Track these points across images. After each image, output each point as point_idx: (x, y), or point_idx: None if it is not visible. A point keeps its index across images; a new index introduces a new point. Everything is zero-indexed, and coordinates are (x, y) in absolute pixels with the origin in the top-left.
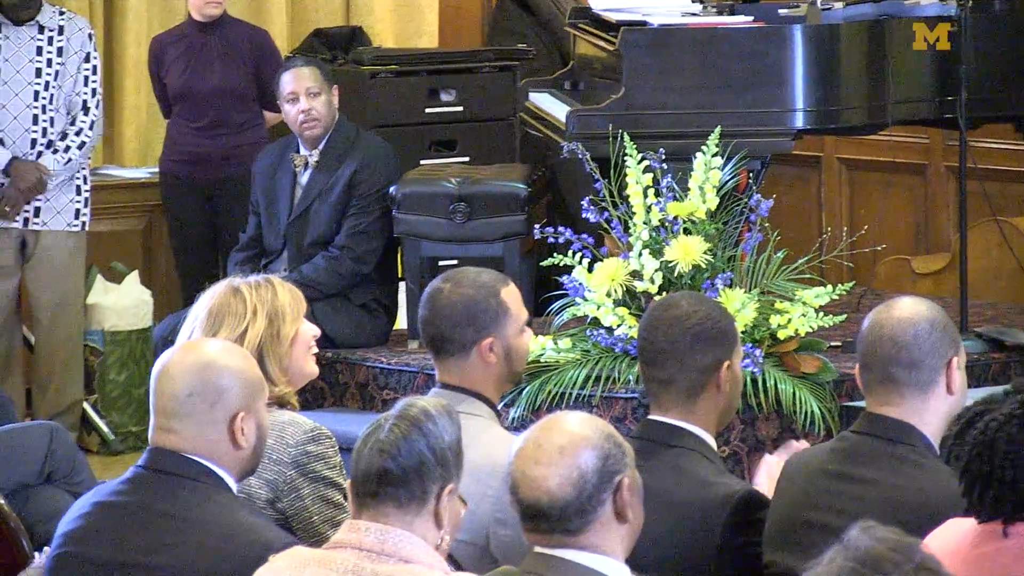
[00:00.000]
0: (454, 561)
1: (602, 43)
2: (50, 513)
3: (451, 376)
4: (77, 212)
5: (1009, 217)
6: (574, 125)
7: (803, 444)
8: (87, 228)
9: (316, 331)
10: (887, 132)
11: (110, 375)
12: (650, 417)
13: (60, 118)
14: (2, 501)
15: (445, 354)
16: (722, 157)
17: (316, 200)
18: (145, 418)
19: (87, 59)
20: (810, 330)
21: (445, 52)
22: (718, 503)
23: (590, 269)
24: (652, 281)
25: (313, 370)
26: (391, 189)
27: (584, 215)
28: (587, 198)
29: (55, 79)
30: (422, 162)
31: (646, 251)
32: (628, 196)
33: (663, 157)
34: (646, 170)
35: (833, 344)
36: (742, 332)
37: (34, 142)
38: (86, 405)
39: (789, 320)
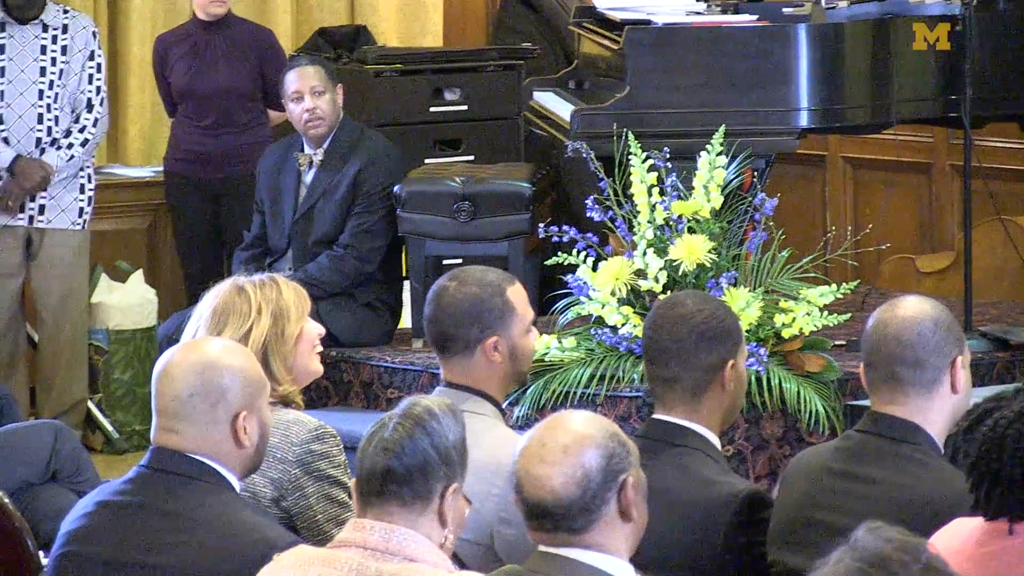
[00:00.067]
0: (459, 560)
1: (606, 42)
2: (54, 512)
3: (456, 375)
4: (80, 211)
5: (1013, 216)
6: (578, 124)
7: None
8: (88, 226)
9: (321, 330)
10: (891, 131)
11: (114, 374)
12: (654, 416)
13: (65, 117)
14: (6, 500)
15: (450, 353)
16: (726, 156)
17: (320, 199)
18: (149, 417)
19: (91, 57)
20: (814, 329)
21: (449, 51)
22: (722, 502)
23: (594, 268)
24: (656, 280)
25: (318, 369)
26: (395, 188)
27: (588, 214)
28: (591, 197)
29: (59, 78)
30: (426, 161)
31: (650, 250)
32: (632, 195)
33: (667, 156)
34: (650, 169)
35: (837, 343)
36: (746, 331)
37: (39, 141)
38: (90, 404)
39: (793, 319)
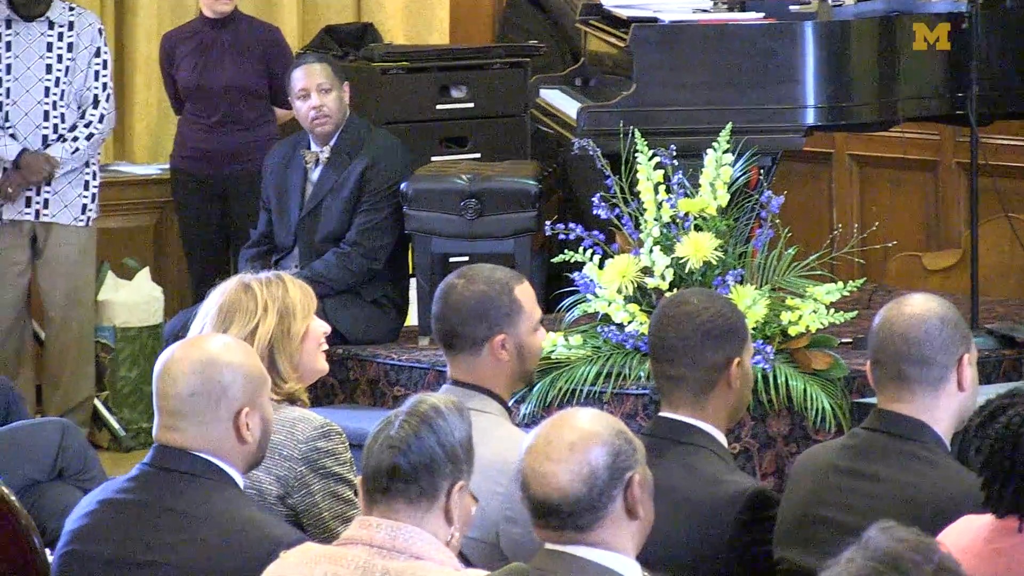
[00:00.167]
0: (464, 558)
1: (613, 39)
2: (61, 510)
3: (462, 373)
4: (84, 207)
5: (1020, 213)
6: (585, 121)
7: None
8: (93, 224)
9: (326, 328)
10: (898, 128)
11: (121, 371)
12: (661, 414)
13: (71, 113)
14: (13, 497)
15: (457, 350)
16: (733, 153)
17: (327, 196)
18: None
19: (97, 54)
20: (821, 327)
21: (456, 49)
22: (728, 500)
23: (601, 266)
24: (663, 277)
25: (323, 367)
26: (402, 185)
27: (595, 211)
28: (598, 194)
29: (66, 75)
30: (433, 158)
31: (657, 247)
32: (639, 192)
33: (674, 153)
34: (657, 166)
35: (844, 341)
36: (753, 329)
37: (45, 138)
38: (97, 401)
39: (800, 317)
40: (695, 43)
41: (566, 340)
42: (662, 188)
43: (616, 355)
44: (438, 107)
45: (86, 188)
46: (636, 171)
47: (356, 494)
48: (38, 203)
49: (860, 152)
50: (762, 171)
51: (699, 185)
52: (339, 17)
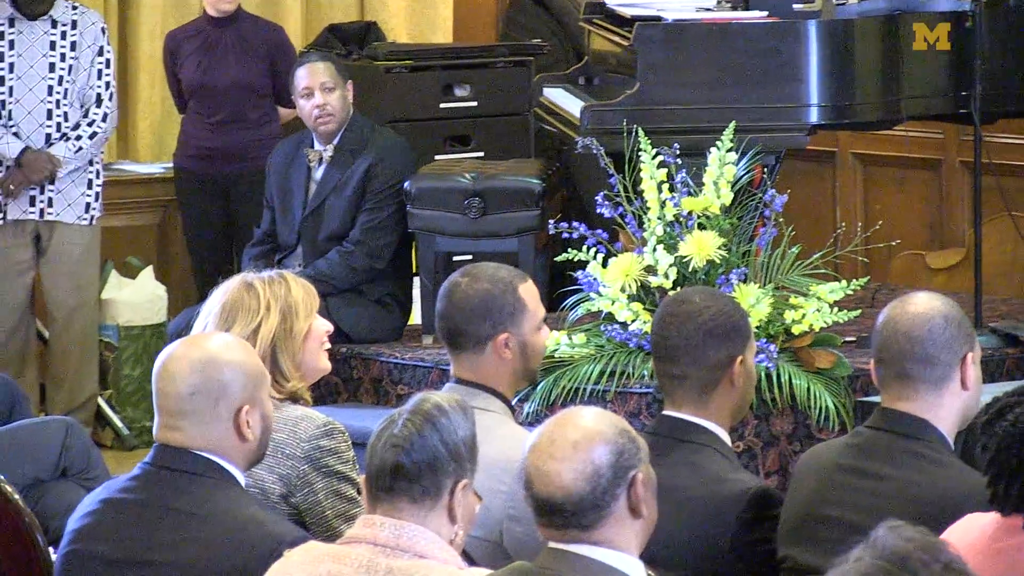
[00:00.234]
0: (468, 557)
1: (616, 38)
2: (64, 508)
3: (466, 371)
4: (87, 206)
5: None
6: (588, 120)
7: None
8: (96, 222)
9: (329, 327)
10: (902, 127)
11: (124, 370)
12: (664, 412)
13: (74, 112)
14: (16, 496)
15: (460, 349)
16: (736, 152)
17: (330, 195)
18: None
19: (100, 53)
20: (824, 325)
21: (459, 47)
22: (732, 499)
23: (604, 264)
24: (666, 276)
25: (326, 366)
26: (405, 184)
27: (598, 210)
28: (601, 193)
29: (69, 73)
30: (436, 157)
31: (660, 246)
32: (642, 191)
33: (677, 152)
34: (660, 165)
35: (847, 339)
36: (756, 327)
37: (48, 137)
38: (100, 400)
39: (803, 315)
40: (699, 42)
41: (569, 339)
42: (665, 187)
43: (619, 354)
44: (441, 106)
45: (90, 187)
46: (640, 170)
47: (359, 492)
48: (42, 202)
49: (864, 151)
50: (766, 170)
51: (703, 184)
52: (343, 16)
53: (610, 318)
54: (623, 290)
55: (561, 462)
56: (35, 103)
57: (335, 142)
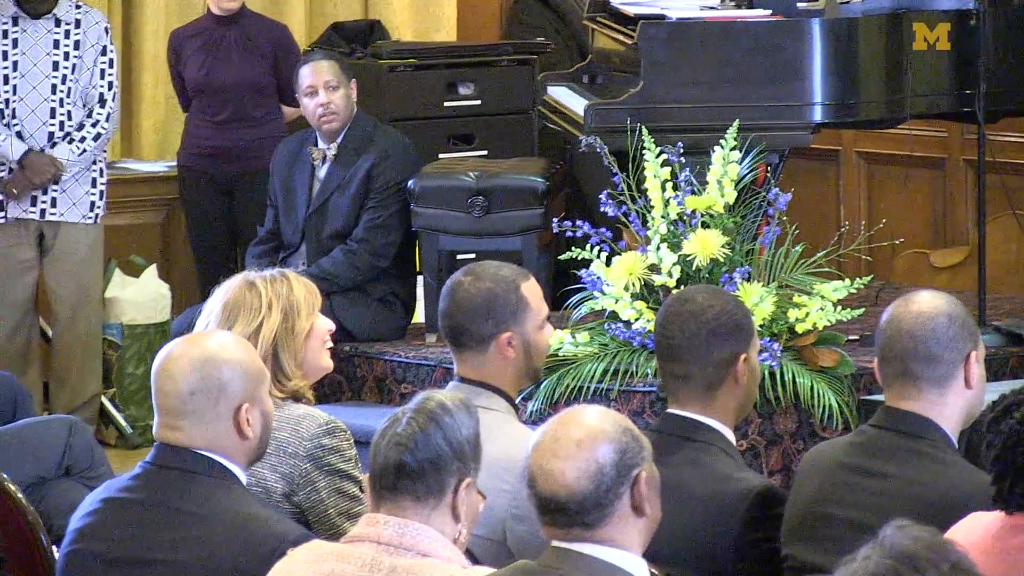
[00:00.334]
0: (471, 556)
1: (620, 37)
2: (68, 507)
3: (469, 370)
4: (92, 205)
5: None
6: (592, 119)
7: None
8: (101, 221)
9: (331, 325)
10: (905, 126)
11: (128, 369)
12: (669, 410)
13: (77, 111)
14: (20, 495)
15: (463, 347)
16: (740, 151)
17: (334, 193)
18: None
19: (104, 52)
20: (828, 324)
21: (463, 46)
22: (736, 498)
23: (608, 263)
24: (670, 275)
25: (328, 364)
26: (409, 183)
27: (602, 209)
28: (605, 192)
29: (72, 72)
30: (440, 156)
31: (664, 245)
32: (646, 190)
33: (681, 151)
34: (664, 164)
35: (851, 338)
36: (760, 326)
37: (51, 135)
38: (104, 399)
39: (807, 314)
40: (702, 40)
41: (573, 337)
42: (669, 185)
43: (623, 352)
44: (445, 104)
45: (94, 185)
46: (643, 168)
47: (362, 490)
48: (44, 202)
49: (867, 149)
50: (769, 168)
51: (706, 182)
52: (346, 14)
53: (614, 316)
54: (627, 288)
55: (564, 461)
56: (38, 101)
57: (339, 140)
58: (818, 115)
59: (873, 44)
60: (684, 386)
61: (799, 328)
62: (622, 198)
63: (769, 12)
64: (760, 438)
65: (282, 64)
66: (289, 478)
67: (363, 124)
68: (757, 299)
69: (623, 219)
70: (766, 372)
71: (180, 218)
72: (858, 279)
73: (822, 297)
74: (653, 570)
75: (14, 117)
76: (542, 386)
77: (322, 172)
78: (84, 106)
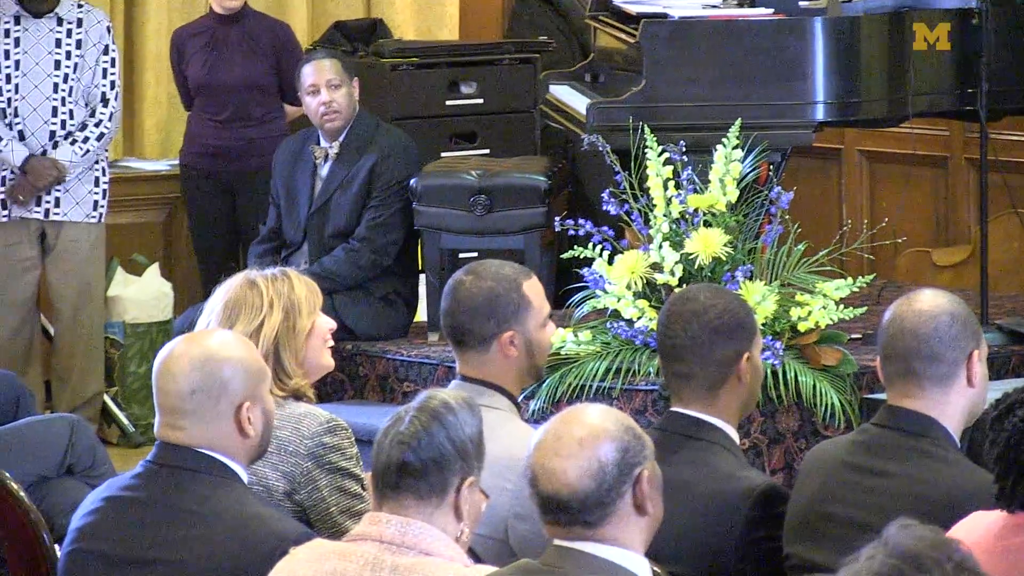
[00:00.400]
0: (473, 554)
1: (622, 35)
2: (70, 505)
3: (471, 369)
4: (95, 204)
5: None
6: (594, 117)
7: None
8: (104, 220)
9: (332, 324)
10: (907, 124)
11: (130, 367)
12: (672, 409)
13: (79, 110)
14: (22, 493)
15: (465, 346)
16: (742, 149)
17: (336, 192)
18: None
19: (106, 51)
20: (830, 322)
21: (466, 44)
22: (739, 496)
23: (610, 261)
24: (672, 273)
25: (329, 363)
26: (411, 181)
27: (604, 207)
28: (607, 190)
29: (74, 71)
30: (442, 154)
31: (666, 243)
32: (648, 188)
33: (683, 149)
34: (666, 162)
35: (853, 336)
36: (762, 325)
37: (53, 134)
38: (106, 397)
39: (809, 312)
40: (705, 39)
41: (575, 336)
42: (671, 184)
43: (625, 351)
44: (447, 103)
45: (96, 184)
46: (645, 167)
47: (363, 488)
48: (48, 202)
49: (870, 148)
50: (771, 167)
51: (708, 181)
52: (349, 13)
53: (616, 315)
54: (629, 287)
55: (566, 459)
56: (40, 100)
57: (341, 139)
58: (820, 114)
59: (875, 43)
60: (687, 385)
61: (801, 327)
62: (624, 197)
63: (771, 11)
64: (762, 437)
65: (284, 63)
66: (290, 477)
67: (365, 123)
68: (759, 298)
69: (625, 218)
70: (768, 370)
71: (182, 217)
72: (860, 278)
73: (824, 296)
74: (655, 569)
75: (16, 116)
76: (544, 385)
77: (324, 171)
78: (86, 105)
